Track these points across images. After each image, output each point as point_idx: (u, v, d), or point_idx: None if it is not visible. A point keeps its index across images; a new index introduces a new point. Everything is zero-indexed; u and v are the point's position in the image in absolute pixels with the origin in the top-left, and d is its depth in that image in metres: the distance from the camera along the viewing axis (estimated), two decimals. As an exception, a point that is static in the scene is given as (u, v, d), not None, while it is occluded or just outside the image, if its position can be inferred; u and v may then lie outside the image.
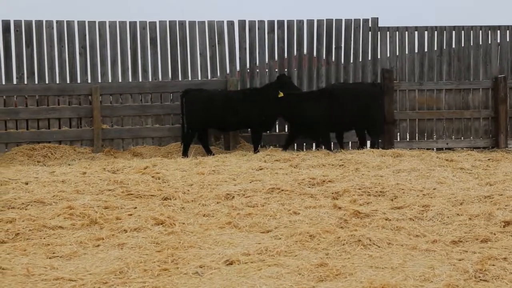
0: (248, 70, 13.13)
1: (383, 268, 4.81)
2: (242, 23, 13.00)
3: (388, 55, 13.45)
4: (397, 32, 13.44)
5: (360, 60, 13.36)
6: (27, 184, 8.15)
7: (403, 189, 7.63)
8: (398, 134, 13.27)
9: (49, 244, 5.55)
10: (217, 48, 12.89)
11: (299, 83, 13.05)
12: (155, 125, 12.64)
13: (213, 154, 11.67)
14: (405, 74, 13.49)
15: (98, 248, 5.46)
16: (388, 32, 13.40)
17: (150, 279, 4.55)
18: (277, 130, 13.06)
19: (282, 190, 7.61)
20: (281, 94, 11.70)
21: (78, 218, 6.40)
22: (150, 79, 12.70)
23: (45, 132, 12.21)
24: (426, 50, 13.54)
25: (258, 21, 13.04)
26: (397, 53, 13.49)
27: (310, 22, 13.21)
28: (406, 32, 13.47)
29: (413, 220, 6.31)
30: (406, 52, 13.50)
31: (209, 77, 12.87)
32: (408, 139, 13.31)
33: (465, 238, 5.59)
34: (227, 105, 11.90)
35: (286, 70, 13.15)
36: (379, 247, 5.33)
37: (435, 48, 13.55)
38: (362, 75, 13.29)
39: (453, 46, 13.59)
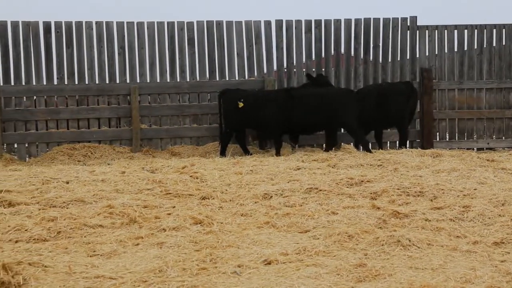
0: (286, 70, 13.12)
1: (423, 269, 4.75)
2: (279, 22, 12.98)
3: (427, 54, 13.30)
4: (436, 31, 13.27)
5: (399, 59, 13.24)
6: (68, 183, 8.27)
7: (443, 190, 7.53)
8: (438, 134, 13.13)
9: (89, 243, 5.62)
10: (254, 48, 12.91)
11: (336, 82, 12.99)
12: (193, 125, 12.72)
13: (251, 154, 11.70)
14: (444, 73, 13.31)
15: (137, 247, 5.50)
16: (427, 31, 13.25)
17: (189, 278, 4.56)
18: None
19: (320, 190, 7.58)
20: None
21: (118, 217, 6.46)
22: (188, 79, 12.78)
23: (85, 132, 12.38)
24: (466, 48, 13.35)
25: (295, 20, 13.02)
26: (436, 52, 13.32)
27: (348, 22, 13.13)
28: (446, 31, 13.29)
29: (454, 221, 6.21)
30: (446, 51, 13.33)
31: (246, 77, 12.90)
32: (447, 139, 13.18)
33: (507, 239, 5.49)
34: (265, 105, 11.88)
35: (323, 69, 13.10)
36: (418, 247, 5.27)
37: (475, 47, 13.35)
38: (401, 75, 13.17)
39: (494, 44, 13.37)
